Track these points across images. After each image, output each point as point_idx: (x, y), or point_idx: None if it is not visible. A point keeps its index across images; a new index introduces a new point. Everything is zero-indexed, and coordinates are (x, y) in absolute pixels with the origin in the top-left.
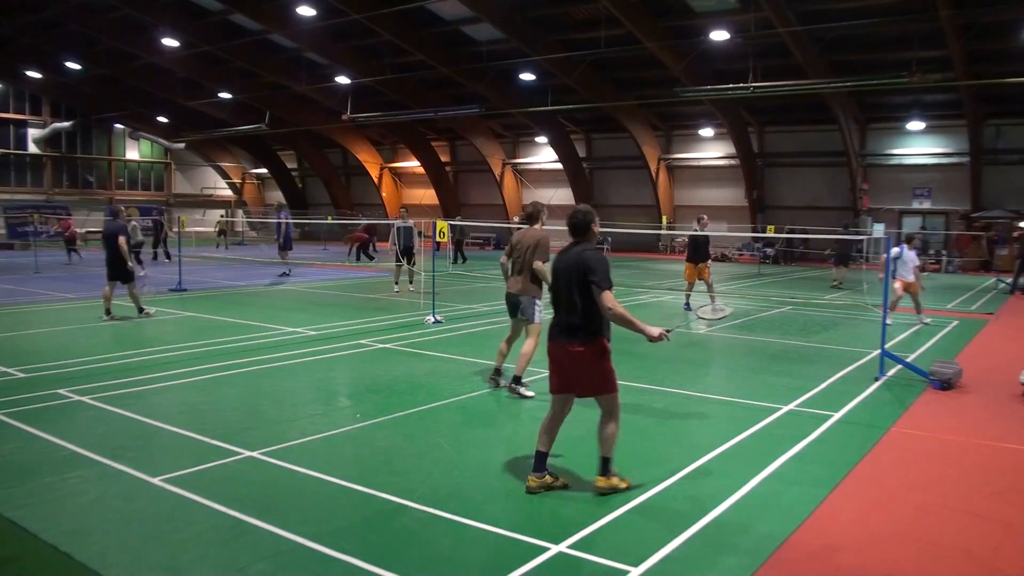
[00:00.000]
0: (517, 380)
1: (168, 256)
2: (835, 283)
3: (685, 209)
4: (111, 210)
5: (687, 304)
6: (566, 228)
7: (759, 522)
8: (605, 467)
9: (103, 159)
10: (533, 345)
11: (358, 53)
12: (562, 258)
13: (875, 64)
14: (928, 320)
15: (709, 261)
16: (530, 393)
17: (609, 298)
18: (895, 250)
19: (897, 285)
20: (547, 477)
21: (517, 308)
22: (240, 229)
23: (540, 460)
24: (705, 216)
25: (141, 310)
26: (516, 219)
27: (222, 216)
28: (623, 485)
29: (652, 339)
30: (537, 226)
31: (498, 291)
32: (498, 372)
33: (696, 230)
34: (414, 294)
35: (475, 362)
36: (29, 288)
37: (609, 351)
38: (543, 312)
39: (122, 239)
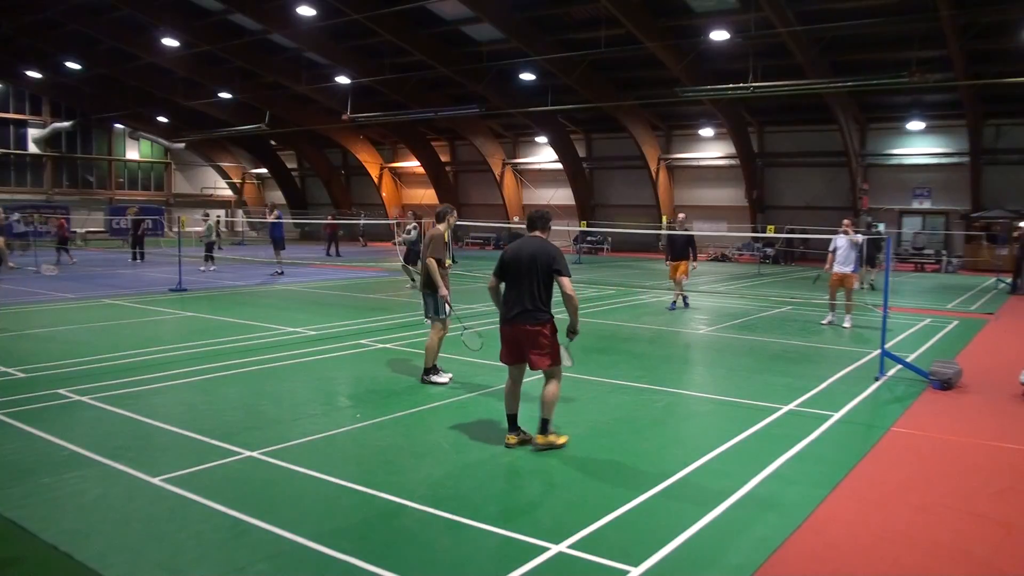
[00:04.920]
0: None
1: (142, 257)
2: (867, 286)
3: (685, 209)
4: None
5: (674, 304)
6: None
7: (759, 522)
8: (544, 427)
9: (103, 159)
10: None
11: (358, 53)
12: (522, 249)
13: (875, 64)
14: (828, 321)
15: (692, 262)
16: (444, 379)
17: (570, 284)
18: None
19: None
20: (522, 434)
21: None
22: (240, 229)
23: (513, 422)
24: (683, 214)
25: None
26: (516, 219)
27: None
28: (560, 441)
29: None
30: (441, 226)
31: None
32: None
33: (675, 228)
34: (415, 294)
35: (475, 362)
36: (29, 288)
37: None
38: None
39: None
